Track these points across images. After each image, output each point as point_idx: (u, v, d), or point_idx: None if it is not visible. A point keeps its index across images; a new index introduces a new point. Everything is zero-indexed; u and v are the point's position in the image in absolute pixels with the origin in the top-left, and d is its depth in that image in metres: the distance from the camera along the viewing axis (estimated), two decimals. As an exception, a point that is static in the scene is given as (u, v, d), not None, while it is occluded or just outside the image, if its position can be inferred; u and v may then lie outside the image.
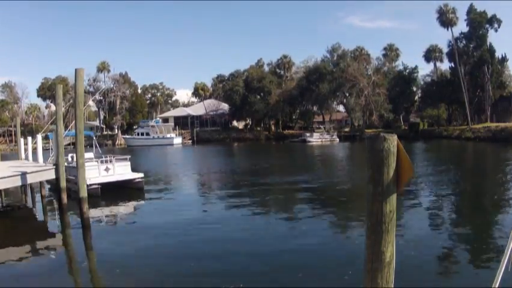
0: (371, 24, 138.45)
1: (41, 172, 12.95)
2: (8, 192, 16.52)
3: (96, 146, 22.16)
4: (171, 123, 77.29)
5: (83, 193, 10.06)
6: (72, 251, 9.42)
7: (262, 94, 72.62)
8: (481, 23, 56.44)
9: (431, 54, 68.36)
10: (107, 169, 16.70)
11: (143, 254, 8.49)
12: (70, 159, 17.35)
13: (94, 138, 24.35)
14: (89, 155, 19.02)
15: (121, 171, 17.11)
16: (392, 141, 2.39)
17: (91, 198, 14.24)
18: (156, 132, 66.59)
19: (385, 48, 73.11)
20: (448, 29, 58.86)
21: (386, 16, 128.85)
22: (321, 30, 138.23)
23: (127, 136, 70.11)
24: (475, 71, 58.62)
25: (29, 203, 15.57)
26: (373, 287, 2.48)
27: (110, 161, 17.02)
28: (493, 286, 2.40)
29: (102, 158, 17.18)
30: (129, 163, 17.75)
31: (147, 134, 66.83)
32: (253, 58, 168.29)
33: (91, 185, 15.32)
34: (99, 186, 15.53)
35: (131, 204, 14.93)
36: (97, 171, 16.35)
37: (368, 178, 2.46)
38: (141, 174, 17.38)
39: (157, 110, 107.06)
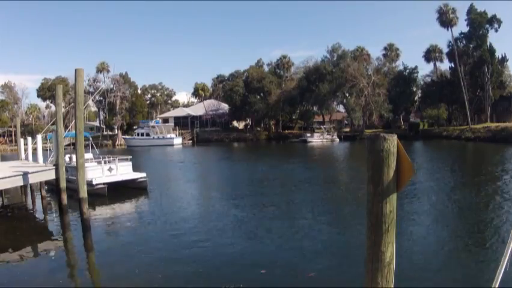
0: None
1: (41, 172, 12.94)
2: (8, 192, 16.52)
3: (93, 147, 22.16)
4: (171, 124, 77.22)
5: (83, 193, 10.02)
6: (72, 251, 9.41)
7: (262, 94, 72.58)
8: (481, 23, 56.36)
9: (431, 54, 68.35)
10: (110, 169, 16.80)
11: (144, 254, 8.48)
12: (67, 159, 17.38)
13: (90, 139, 24.32)
14: (88, 155, 19.04)
15: (123, 171, 17.23)
16: (392, 142, 2.39)
17: (97, 198, 14.33)
18: (156, 133, 66.53)
19: (385, 48, 73.10)
20: (447, 29, 58.86)
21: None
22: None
23: (127, 136, 70.01)
24: (474, 71, 58.57)
25: (29, 204, 15.57)
26: (373, 287, 2.48)
27: (112, 161, 17.09)
28: (493, 286, 2.40)
29: (100, 158, 17.24)
30: (130, 163, 17.86)
31: (147, 134, 66.74)
32: (253, 58, 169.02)
33: (97, 184, 15.42)
34: (105, 185, 15.61)
35: (135, 203, 14.96)
36: (101, 171, 16.44)
37: (368, 178, 2.46)
38: (144, 174, 17.47)
39: (157, 110, 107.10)
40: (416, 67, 68.79)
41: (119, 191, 16.17)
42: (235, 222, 11.29)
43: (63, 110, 15.46)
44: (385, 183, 2.39)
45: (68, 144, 28.30)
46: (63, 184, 12.58)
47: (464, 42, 60.19)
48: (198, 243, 9.19)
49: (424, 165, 24.32)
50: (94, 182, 15.36)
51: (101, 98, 75.50)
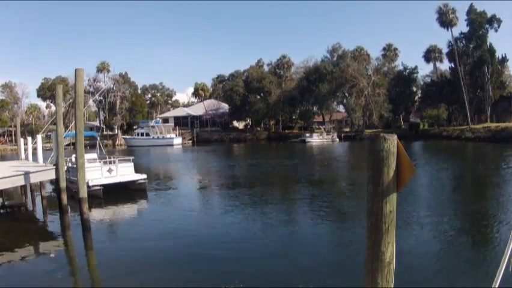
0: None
1: (41, 172, 12.92)
2: (8, 192, 16.50)
3: (100, 147, 22.04)
4: (171, 124, 77.23)
5: (83, 193, 10.01)
6: (72, 252, 9.40)
7: (262, 94, 72.61)
8: (481, 23, 56.38)
9: (431, 54, 68.33)
10: (110, 170, 16.63)
11: (144, 255, 8.48)
12: (73, 159, 17.29)
13: (98, 138, 24.22)
14: (92, 155, 18.97)
15: (123, 172, 17.04)
16: (392, 141, 2.39)
17: (93, 199, 14.23)
18: (156, 133, 66.50)
19: (384, 49, 73.13)
20: (447, 29, 58.88)
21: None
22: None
23: (127, 136, 69.99)
24: (474, 71, 58.58)
25: (29, 204, 15.54)
26: (373, 287, 2.48)
27: (113, 162, 16.98)
28: (493, 286, 2.40)
29: (106, 159, 17.11)
30: (132, 164, 17.68)
31: (147, 134, 66.70)
32: (253, 58, 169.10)
33: (93, 186, 15.22)
34: (101, 187, 15.47)
35: (134, 205, 14.88)
36: (100, 173, 16.28)
37: (368, 178, 2.46)
38: (144, 176, 17.33)
39: (157, 110, 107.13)
40: (416, 67, 69.07)
41: (117, 192, 16.08)
42: (235, 223, 11.29)
43: (63, 109, 15.39)
44: (385, 183, 2.39)
45: (68, 144, 28.33)
46: (63, 184, 12.55)
47: (464, 42, 60.22)
48: (198, 244, 9.19)
49: (424, 165, 24.32)
50: (90, 184, 15.18)
51: (101, 98, 75.59)
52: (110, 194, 15.46)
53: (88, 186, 14.74)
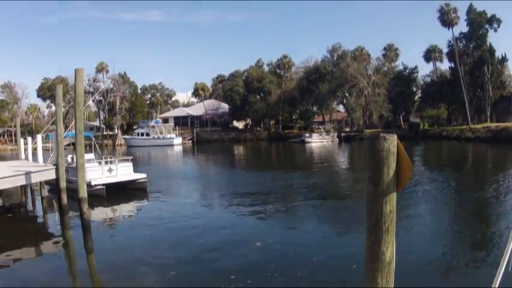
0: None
1: (41, 172, 12.92)
2: (8, 192, 16.50)
3: (96, 148, 22.06)
4: (171, 124, 77.16)
5: (83, 193, 9.99)
6: (72, 252, 9.40)
7: (262, 94, 72.60)
8: (480, 23, 56.39)
9: (431, 54, 68.32)
10: (110, 170, 16.72)
11: (144, 255, 8.48)
12: (69, 159, 17.34)
13: (93, 139, 24.19)
14: (89, 156, 19.01)
15: (123, 171, 17.15)
16: (392, 141, 2.39)
17: (95, 199, 14.26)
18: (156, 133, 66.42)
19: (385, 48, 73.11)
20: (448, 29, 58.91)
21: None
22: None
23: (127, 136, 69.92)
24: (474, 71, 58.58)
25: (29, 204, 15.54)
26: (373, 287, 2.48)
27: (112, 162, 17.02)
28: (493, 286, 2.40)
29: (102, 159, 17.18)
30: (131, 164, 17.78)
31: (147, 134, 66.62)
32: (253, 58, 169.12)
33: (95, 185, 15.31)
34: (104, 186, 15.54)
35: (134, 204, 14.90)
36: (101, 172, 16.37)
37: (368, 178, 2.46)
38: (144, 175, 17.40)
39: (156, 110, 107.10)
40: (416, 67, 69.01)
41: (118, 191, 16.11)
42: (238, 224, 11.29)
43: (63, 110, 15.40)
44: (385, 183, 2.39)
45: (68, 144, 28.28)
46: (63, 184, 12.54)
47: (464, 42, 60.22)
48: (199, 244, 9.18)
49: (424, 165, 24.31)
50: (93, 183, 15.26)
51: (101, 98, 75.60)
52: (111, 194, 15.49)
53: (91, 186, 14.82)
